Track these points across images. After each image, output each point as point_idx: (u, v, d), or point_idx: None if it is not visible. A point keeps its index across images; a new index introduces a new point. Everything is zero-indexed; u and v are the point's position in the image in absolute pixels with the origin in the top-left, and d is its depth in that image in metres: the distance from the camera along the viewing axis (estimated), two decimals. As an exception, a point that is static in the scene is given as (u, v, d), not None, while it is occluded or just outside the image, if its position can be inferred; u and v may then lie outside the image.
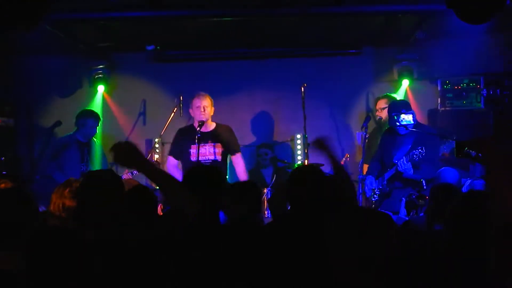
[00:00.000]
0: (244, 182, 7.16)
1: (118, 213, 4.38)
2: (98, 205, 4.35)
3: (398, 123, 8.61)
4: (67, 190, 5.14)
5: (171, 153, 9.44)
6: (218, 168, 5.52)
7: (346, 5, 7.63)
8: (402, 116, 8.59)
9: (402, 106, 8.79)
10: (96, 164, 9.89)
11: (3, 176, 6.78)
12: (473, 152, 5.54)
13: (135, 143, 4.38)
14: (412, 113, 8.62)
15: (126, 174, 9.39)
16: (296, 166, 10.09)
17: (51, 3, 7.23)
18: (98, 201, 4.36)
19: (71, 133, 9.88)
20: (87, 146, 9.91)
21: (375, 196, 8.91)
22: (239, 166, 9.44)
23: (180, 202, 4.27)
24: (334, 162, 5.85)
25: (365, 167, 9.64)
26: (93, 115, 9.95)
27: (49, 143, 9.77)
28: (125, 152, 4.20)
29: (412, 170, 8.47)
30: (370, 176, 9.08)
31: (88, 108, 10.27)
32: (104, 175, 4.60)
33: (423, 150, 8.29)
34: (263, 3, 8.76)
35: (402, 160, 8.48)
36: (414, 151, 8.36)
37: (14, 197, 4.34)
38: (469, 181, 8.05)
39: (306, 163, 9.74)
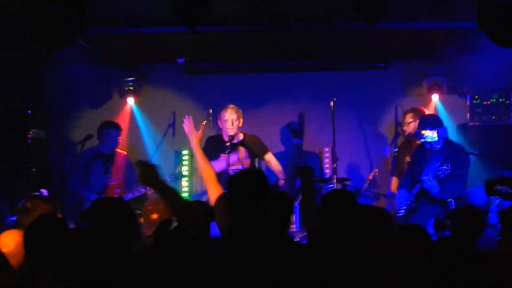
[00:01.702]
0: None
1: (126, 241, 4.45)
2: (105, 232, 4.39)
3: (422, 139, 8.61)
4: None
5: None
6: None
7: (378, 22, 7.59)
8: (424, 132, 8.57)
9: (429, 123, 8.75)
10: (121, 176, 9.99)
11: (35, 197, 6.79)
12: (503, 189, 5.56)
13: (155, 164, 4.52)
14: (438, 130, 8.58)
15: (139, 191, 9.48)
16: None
17: (85, 23, 7.31)
18: (103, 230, 4.40)
19: (95, 145, 9.94)
20: (111, 159, 9.97)
21: (401, 211, 8.90)
22: (273, 163, 9.62)
23: (186, 220, 4.39)
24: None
25: (393, 182, 9.65)
26: (114, 125, 9.99)
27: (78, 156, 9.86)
28: (149, 173, 4.36)
29: (438, 188, 8.43)
30: (403, 189, 9.04)
31: (109, 119, 10.28)
32: (110, 205, 4.63)
33: (448, 167, 8.29)
34: (296, 19, 8.78)
35: (428, 177, 8.46)
36: (440, 168, 8.36)
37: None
38: (498, 200, 8.01)
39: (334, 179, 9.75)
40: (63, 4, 7.12)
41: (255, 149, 9.43)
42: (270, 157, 9.64)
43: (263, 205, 4.68)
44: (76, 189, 9.67)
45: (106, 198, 4.82)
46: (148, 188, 9.43)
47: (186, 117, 6.74)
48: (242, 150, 9.38)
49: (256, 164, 9.60)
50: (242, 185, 4.70)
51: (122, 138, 10.12)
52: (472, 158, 9.12)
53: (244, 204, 4.60)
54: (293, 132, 11.10)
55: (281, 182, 9.45)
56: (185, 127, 6.66)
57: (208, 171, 5.81)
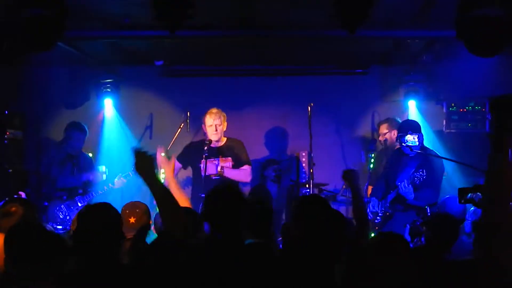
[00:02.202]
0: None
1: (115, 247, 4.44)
2: (93, 241, 4.37)
3: (403, 144, 8.68)
4: None
5: (178, 157, 9.42)
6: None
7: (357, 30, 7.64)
8: (407, 137, 8.66)
9: (409, 127, 8.85)
10: (85, 177, 9.99)
11: (15, 199, 6.77)
12: (476, 197, 5.62)
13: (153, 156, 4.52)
14: (418, 135, 8.68)
15: (120, 179, 9.49)
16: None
17: (65, 26, 7.29)
18: (92, 238, 4.38)
19: (62, 145, 10.00)
20: (76, 159, 10.01)
21: (378, 218, 8.95)
22: (245, 173, 9.56)
23: (171, 221, 4.39)
24: (356, 202, 5.89)
25: (369, 190, 9.71)
26: (79, 127, 10.02)
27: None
28: (147, 165, 4.36)
29: (413, 194, 8.51)
30: (374, 198, 9.13)
31: (76, 121, 10.27)
32: (100, 210, 4.58)
33: (424, 173, 8.34)
34: (274, 25, 8.80)
35: (403, 183, 8.52)
36: (415, 173, 8.41)
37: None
38: (474, 208, 8.08)
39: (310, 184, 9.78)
40: (44, 7, 7.09)
41: (237, 156, 9.42)
42: (246, 169, 9.62)
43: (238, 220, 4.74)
44: (46, 193, 9.65)
45: (94, 204, 4.74)
46: (109, 185, 9.52)
47: (158, 149, 6.77)
48: (224, 157, 9.37)
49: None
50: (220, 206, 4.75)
51: (98, 140, 10.11)
52: (446, 165, 9.22)
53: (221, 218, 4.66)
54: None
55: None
56: (157, 159, 6.67)
57: (181, 200, 5.82)
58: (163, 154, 6.89)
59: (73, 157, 9.93)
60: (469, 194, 6.11)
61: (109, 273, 4.24)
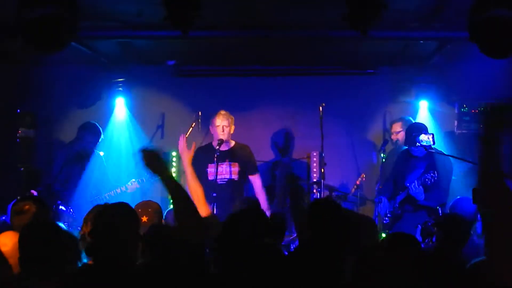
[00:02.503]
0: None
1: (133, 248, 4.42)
2: (112, 241, 4.36)
3: (418, 144, 8.66)
4: None
5: None
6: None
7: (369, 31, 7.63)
8: (422, 136, 8.65)
9: (423, 127, 8.85)
10: (95, 179, 9.95)
11: (27, 197, 6.80)
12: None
13: (160, 153, 4.52)
14: (432, 135, 8.69)
15: (133, 184, 9.49)
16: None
17: (78, 26, 7.32)
18: (111, 238, 4.37)
19: (73, 143, 9.99)
20: (87, 160, 9.94)
21: (386, 218, 8.95)
22: (258, 187, 9.50)
23: (186, 220, 4.38)
24: None
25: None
26: (92, 130, 9.99)
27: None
28: (156, 159, 4.36)
29: (423, 195, 8.51)
30: (385, 198, 9.12)
31: (91, 122, 10.26)
32: (118, 210, 4.53)
33: (435, 174, 8.34)
34: (286, 25, 8.81)
35: (414, 183, 8.52)
36: (426, 174, 8.41)
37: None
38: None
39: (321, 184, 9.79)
40: (57, 7, 7.11)
41: (246, 163, 9.43)
42: (256, 180, 9.59)
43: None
44: (57, 193, 9.62)
45: (111, 203, 4.72)
46: (122, 188, 9.51)
47: (181, 137, 6.80)
48: (232, 161, 9.37)
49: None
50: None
51: (110, 139, 10.14)
52: (458, 167, 9.21)
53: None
54: (280, 151, 11.08)
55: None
56: (179, 146, 6.70)
57: (197, 190, 5.81)
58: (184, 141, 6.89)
59: (83, 157, 9.89)
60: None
61: (124, 273, 4.24)
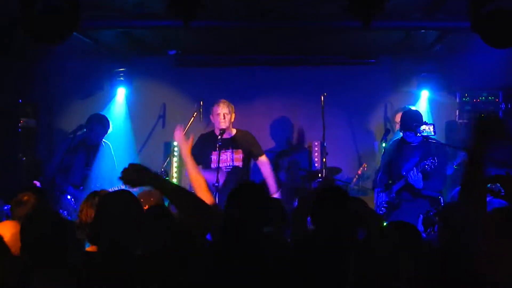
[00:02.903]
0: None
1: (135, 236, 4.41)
2: (114, 229, 4.35)
3: (419, 134, 8.66)
4: (96, 199, 5.21)
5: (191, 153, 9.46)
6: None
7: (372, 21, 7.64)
8: (423, 127, 8.65)
9: (420, 116, 8.85)
10: (102, 168, 9.80)
11: (27, 188, 6.80)
12: (495, 188, 5.58)
13: (139, 165, 4.49)
14: (433, 125, 8.70)
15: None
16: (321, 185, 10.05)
17: (79, 18, 7.32)
18: (113, 225, 4.36)
19: (80, 133, 9.82)
20: (93, 149, 9.83)
21: (382, 209, 8.94)
22: (265, 168, 9.45)
23: (192, 217, 4.37)
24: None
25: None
26: (102, 122, 9.90)
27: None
28: (135, 173, 4.34)
29: (422, 183, 8.51)
30: (379, 189, 9.11)
31: (101, 113, 10.21)
32: (120, 198, 4.51)
33: (435, 160, 8.33)
34: (288, 15, 8.81)
35: (412, 171, 8.51)
36: (425, 161, 8.39)
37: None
38: (488, 199, 8.05)
39: (323, 173, 9.80)
40: (57, -1, 7.12)
41: (250, 148, 9.41)
42: (264, 161, 9.51)
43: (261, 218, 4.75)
44: (57, 182, 9.60)
45: (115, 191, 4.71)
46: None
47: (178, 126, 6.78)
48: (235, 148, 9.37)
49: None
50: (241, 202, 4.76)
51: (113, 130, 10.11)
52: (461, 156, 9.20)
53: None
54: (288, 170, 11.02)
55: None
56: (176, 136, 6.68)
57: (198, 180, 5.77)
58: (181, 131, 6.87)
59: (90, 147, 9.85)
60: (488, 185, 6.08)
61: (127, 262, 4.24)
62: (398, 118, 10.07)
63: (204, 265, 4.44)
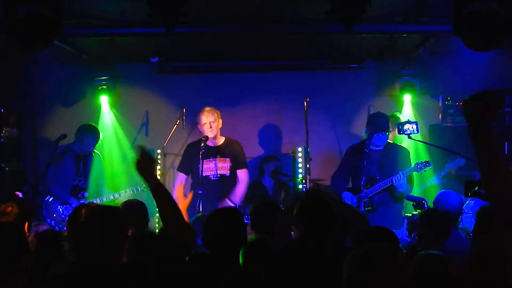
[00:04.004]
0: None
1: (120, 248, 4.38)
2: (98, 240, 4.32)
3: (402, 132, 8.70)
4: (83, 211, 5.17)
5: (180, 169, 9.47)
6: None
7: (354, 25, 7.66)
8: (407, 125, 8.69)
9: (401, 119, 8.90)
10: (93, 179, 9.85)
11: (10, 199, 6.76)
12: (483, 191, 5.61)
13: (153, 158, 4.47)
14: (416, 123, 8.75)
15: (130, 190, 9.46)
16: (303, 191, 10.03)
17: (61, 25, 7.29)
18: (98, 237, 4.33)
19: (70, 143, 9.80)
20: (84, 159, 9.83)
21: None
22: (242, 181, 9.48)
23: (173, 227, 4.36)
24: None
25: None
26: (93, 132, 9.84)
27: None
28: (148, 164, 4.31)
29: (405, 186, 8.55)
30: (348, 192, 9.05)
31: (91, 124, 10.12)
32: (104, 211, 4.50)
33: (428, 164, 8.39)
34: (271, 20, 8.81)
35: (398, 175, 8.53)
36: (418, 165, 8.44)
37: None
38: (472, 201, 8.07)
39: (307, 179, 9.80)
40: (40, 5, 7.09)
41: (236, 158, 9.40)
42: (243, 175, 9.54)
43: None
44: (54, 193, 9.55)
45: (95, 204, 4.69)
46: (115, 195, 9.47)
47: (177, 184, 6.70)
48: (222, 156, 9.35)
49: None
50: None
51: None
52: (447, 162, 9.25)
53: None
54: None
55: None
56: (174, 194, 6.69)
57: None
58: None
59: (81, 157, 9.81)
60: (476, 187, 6.12)
61: (109, 271, 4.21)
62: None
63: (189, 275, 4.43)
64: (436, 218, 6.30)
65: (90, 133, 9.75)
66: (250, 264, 4.87)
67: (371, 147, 8.93)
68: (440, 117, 10.77)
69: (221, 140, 9.42)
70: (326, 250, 4.79)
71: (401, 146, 9.18)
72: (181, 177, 9.43)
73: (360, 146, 9.15)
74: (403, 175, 8.52)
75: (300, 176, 10.83)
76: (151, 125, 11.46)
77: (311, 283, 4.57)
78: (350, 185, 9.23)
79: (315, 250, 4.80)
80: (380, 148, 8.92)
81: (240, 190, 9.42)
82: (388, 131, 8.93)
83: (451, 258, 4.85)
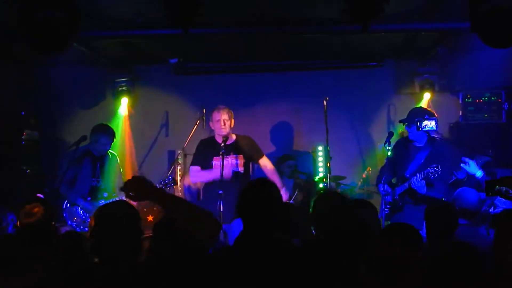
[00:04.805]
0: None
1: (135, 246, 4.40)
2: (113, 240, 4.34)
3: (420, 128, 8.60)
4: None
5: (196, 163, 9.44)
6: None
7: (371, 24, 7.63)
8: (425, 122, 8.58)
9: (425, 112, 8.78)
10: (110, 179, 9.77)
11: (35, 199, 6.84)
12: (502, 189, 5.58)
13: (143, 176, 4.45)
14: (435, 119, 8.63)
15: None
16: (320, 190, 10.05)
17: (79, 27, 7.33)
18: (113, 237, 4.35)
19: (85, 145, 9.70)
20: (100, 160, 9.76)
21: (386, 209, 8.86)
22: (267, 168, 9.44)
23: (195, 226, 4.35)
24: None
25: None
26: (108, 132, 9.75)
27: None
28: (137, 187, 4.31)
29: (425, 188, 8.44)
30: (387, 185, 9.02)
31: (104, 124, 10.01)
32: (117, 209, 4.49)
33: (439, 169, 8.23)
34: (288, 21, 8.80)
35: (416, 177, 8.43)
36: (429, 169, 8.27)
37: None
38: (489, 201, 8.01)
39: (328, 180, 9.79)
40: (57, 9, 7.13)
41: (250, 152, 9.40)
42: (265, 162, 9.50)
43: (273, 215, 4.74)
44: (63, 193, 9.56)
45: (112, 203, 4.71)
46: None
47: None
48: (237, 153, 9.35)
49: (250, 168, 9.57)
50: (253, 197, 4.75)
51: (116, 140, 10.07)
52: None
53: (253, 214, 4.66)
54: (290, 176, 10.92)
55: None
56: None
57: None
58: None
59: (97, 158, 9.82)
60: (497, 187, 6.06)
61: (127, 271, 4.23)
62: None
63: (212, 271, 4.43)
64: (440, 212, 6.25)
65: (104, 133, 9.72)
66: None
67: (410, 142, 8.88)
68: (460, 114, 10.70)
69: (233, 138, 9.42)
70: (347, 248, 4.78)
71: (441, 138, 9.03)
72: (197, 170, 9.39)
73: (402, 142, 9.09)
74: (421, 178, 8.43)
75: (321, 174, 10.83)
76: (171, 126, 11.52)
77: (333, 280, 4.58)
78: None
79: (336, 248, 4.81)
80: (420, 145, 8.81)
81: (275, 176, 9.29)
82: (419, 123, 8.77)
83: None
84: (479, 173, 8.43)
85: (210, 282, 4.37)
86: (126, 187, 4.28)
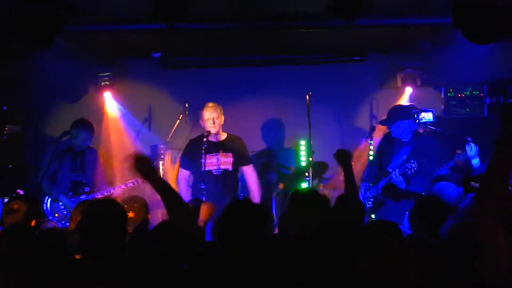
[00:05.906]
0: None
1: (121, 243, 4.42)
2: (100, 237, 4.36)
3: (418, 121, 8.64)
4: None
5: (182, 165, 9.47)
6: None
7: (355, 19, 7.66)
8: (423, 114, 8.63)
9: (419, 107, 8.84)
10: (91, 174, 9.81)
11: (17, 197, 6.82)
12: (477, 186, 5.62)
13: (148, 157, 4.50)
14: (432, 111, 8.69)
15: (130, 183, 9.40)
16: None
17: (64, 22, 7.32)
18: (100, 235, 4.37)
19: (65, 140, 9.77)
20: (81, 155, 9.80)
21: (369, 203, 8.92)
22: (251, 178, 9.50)
23: (178, 217, 4.38)
24: (349, 183, 5.86)
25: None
26: (88, 127, 9.81)
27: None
28: (146, 165, 4.35)
29: (404, 184, 8.51)
30: (366, 184, 9.09)
31: (84, 118, 10.03)
32: (107, 209, 4.56)
33: (415, 165, 8.29)
34: (277, 16, 8.81)
35: (395, 172, 8.51)
36: (406, 164, 8.38)
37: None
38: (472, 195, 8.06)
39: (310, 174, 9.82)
40: (43, 3, 7.11)
41: (239, 155, 9.40)
42: (250, 170, 9.57)
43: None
44: (45, 189, 9.55)
45: (95, 199, 4.75)
46: (115, 188, 9.45)
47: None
48: (224, 151, 9.34)
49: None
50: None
51: (98, 134, 10.07)
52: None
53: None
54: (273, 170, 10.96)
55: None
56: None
57: None
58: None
59: (77, 153, 9.80)
60: (472, 183, 6.12)
61: (112, 267, 4.24)
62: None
63: (200, 268, 4.44)
64: (428, 207, 6.29)
65: (84, 127, 9.72)
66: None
67: (396, 138, 8.93)
68: (442, 109, 10.74)
69: (223, 136, 9.42)
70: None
71: (436, 129, 9.25)
72: (183, 173, 9.43)
73: (387, 137, 9.17)
74: (399, 173, 8.49)
75: (302, 169, 10.85)
76: (154, 120, 11.49)
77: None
78: None
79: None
80: (405, 140, 8.86)
81: (255, 187, 9.47)
82: (416, 116, 8.81)
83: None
84: (475, 161, 8.52)
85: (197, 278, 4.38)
86: (135, 164, 4.34)
